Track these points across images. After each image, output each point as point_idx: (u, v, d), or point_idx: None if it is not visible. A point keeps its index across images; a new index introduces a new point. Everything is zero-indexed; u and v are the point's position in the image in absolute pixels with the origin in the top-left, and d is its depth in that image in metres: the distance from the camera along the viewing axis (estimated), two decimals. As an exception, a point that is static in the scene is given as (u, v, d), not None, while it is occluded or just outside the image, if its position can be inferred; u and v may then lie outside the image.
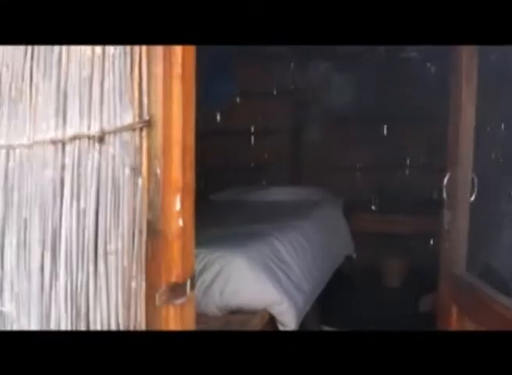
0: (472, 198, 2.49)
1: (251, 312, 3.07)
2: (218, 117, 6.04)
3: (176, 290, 1.48)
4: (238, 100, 6.19)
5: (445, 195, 2.57)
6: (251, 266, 3.12)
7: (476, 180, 2.49)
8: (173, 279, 1.47)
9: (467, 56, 2.41)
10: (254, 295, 3.07)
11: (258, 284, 3.09)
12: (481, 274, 2.66)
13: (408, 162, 6.45)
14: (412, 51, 6.20)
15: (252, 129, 6.40)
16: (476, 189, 2.48)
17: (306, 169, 6.56)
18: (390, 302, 5.28)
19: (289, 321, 3.11)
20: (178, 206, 1.45)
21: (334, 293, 4.91)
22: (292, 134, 6.55)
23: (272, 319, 3.13)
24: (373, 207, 6.11)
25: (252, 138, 6.43)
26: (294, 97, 6.48)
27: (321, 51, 6.03)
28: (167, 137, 1.42)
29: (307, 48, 5.90)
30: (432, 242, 5.59)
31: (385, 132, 6.45)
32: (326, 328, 4.42)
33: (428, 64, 6.22)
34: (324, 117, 6.45)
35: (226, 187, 5.83)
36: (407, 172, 6.46)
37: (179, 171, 1.45)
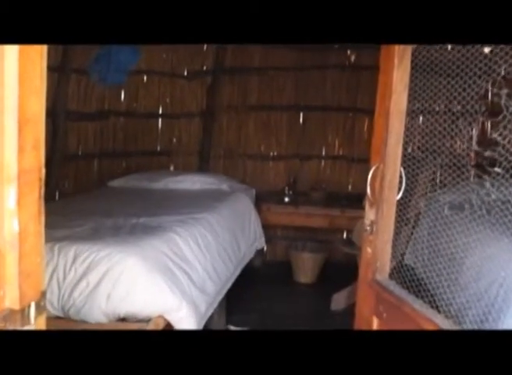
0: (399, 196, 2.18)
1: (144, 320, 2.66)
2: (122, 96, 5.47)
3: (13, 318, 1.08)
4: (145, 79, 5.67)
5: (368, 191, 2.23)
6: (144, 266, 2.70)
7: (404, 176, 2.19)
8: (7, 304, 1.06)
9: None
10: (147, 300, 2.67)
11: (152, 287, 2.68)
12: (394, 272, 2.44)
13: (324, 153, 6.19)
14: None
15: (160, 111, 5.91)
16: (404, 185, 2.18)
17: (216, 157, 6.21)
18: (302, 299, 5.10)
19: (188, 328, 2.73)
20: (12, 203, 1.03)
21: (243, 290, 4.62)
22: (203, 119, 6.13)
23: (168, 327, 2.73)
24: (286, 199, 5.80)
25: (159, 121, 5.93)
26: (207, 79, 6.07)
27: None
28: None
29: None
30: (348, 237, 5.40)
31: (301, 121, 6.16)
32: (233, 328, 4.08)
33: (349, 51, 5.96)
34: (238, 103, 6.14)
35: (127, 173, 5.30)
36: (323, 163, 6.21)
37: (13, 152, 1.02)
